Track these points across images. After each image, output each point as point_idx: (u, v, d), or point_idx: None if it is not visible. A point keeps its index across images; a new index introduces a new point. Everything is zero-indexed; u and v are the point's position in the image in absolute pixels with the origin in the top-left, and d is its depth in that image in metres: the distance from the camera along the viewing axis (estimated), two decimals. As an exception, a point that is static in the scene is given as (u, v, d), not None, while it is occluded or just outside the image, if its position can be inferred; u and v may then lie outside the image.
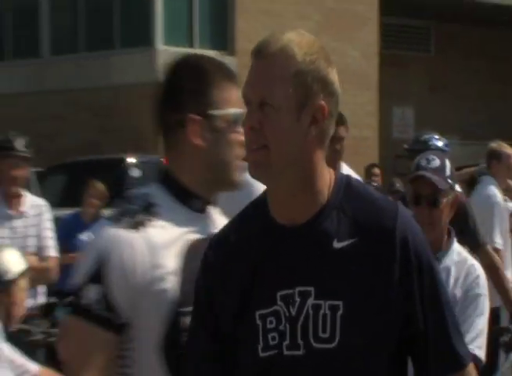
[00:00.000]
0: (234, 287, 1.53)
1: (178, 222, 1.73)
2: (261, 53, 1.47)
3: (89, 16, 16.30)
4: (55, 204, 7.63)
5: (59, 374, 3.46)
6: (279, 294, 1.49)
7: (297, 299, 1.49)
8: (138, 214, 1.70)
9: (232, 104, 1.71)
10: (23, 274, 4.09)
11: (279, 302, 1.49)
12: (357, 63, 16.09)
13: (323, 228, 1.51)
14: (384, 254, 1.48)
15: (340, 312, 1.47)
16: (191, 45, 15.81)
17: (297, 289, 1.49)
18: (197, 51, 14.56)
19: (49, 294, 6.45)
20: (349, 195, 1.54)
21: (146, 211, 1.70)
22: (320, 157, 1.52)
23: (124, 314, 1.65)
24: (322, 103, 1.46)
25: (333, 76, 1.51)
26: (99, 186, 8.30)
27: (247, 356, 1.52)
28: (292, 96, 1.44)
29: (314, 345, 1.47)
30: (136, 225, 1.67)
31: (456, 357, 1.56)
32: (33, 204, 6.02)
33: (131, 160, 12.17)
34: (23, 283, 4.14)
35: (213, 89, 1.71)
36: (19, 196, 5.84)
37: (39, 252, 5.77)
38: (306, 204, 1.51)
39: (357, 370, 1.47)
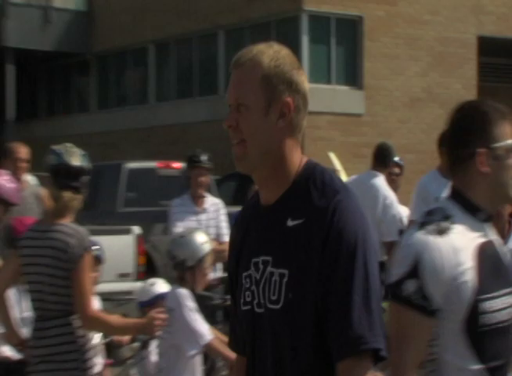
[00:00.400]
0: (234, 255, 1.84)
1: (470, 229, 1.92)
2: (235, 64, 1.72)
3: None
4: (228, 203, 8.55)
5: (224, 342, 4.04)
6: (252, 260, 1.74)
7: (261, 266, 1.72)
8: (440, 223, 1.89)
9: (508, 136, 1.90)
10: (209, 253, 4.68)
11: (251, 267, 1.74)
12: (459, 94, 17.20)
13: (282, 208, 1.71)
14: (317, 233, 1.64)
15: (285, 280, 1.67)
16: (329, 82, 18.27)
17: (261, 258, 1.72)
18: (333, 86, 18.16)
19: (224, 269, 6.95)
20: (310, 180, 1.71)
21: (445, 220, 1.89)
22: (290, 145, 1.73)
23: (436, 302, 1.80)
24: (288, 99, 1.69)
25: (298, 77, 1.74)
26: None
27: (237, 308, 1.82)
28: (260, 96, 1.68)
29: (268, 305, 1.69)
30: (440, 232, 1.87)
31: (351, 342, 1.60)
32: (212, 202, 6.95)
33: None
34: (209, 260, 4.71)
35: (493, 127, 1.91)
36: (203, 197, 6.80)
37: (217, 238, 6.57)
38: (277, 187, 1.71)
39: (295, 328, 1.66)
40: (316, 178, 1.71)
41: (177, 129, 18.68)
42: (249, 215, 1.84)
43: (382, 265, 5.74)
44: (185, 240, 4.75)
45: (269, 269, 1.69)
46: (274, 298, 1.68)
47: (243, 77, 1.70)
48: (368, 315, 1.62)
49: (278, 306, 1.67)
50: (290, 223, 1.69)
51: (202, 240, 4.70)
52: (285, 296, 1.66)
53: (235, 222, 1.98)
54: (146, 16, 18.90)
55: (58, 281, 3.71)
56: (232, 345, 1.98)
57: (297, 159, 1.73)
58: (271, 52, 1.71)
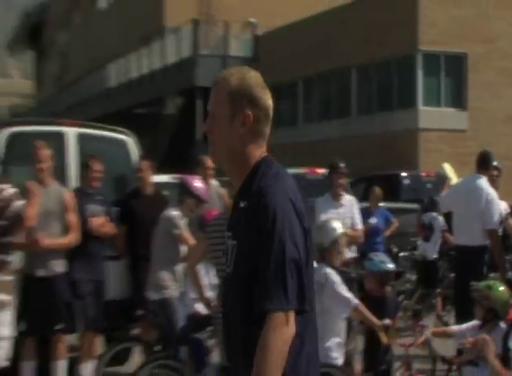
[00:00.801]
0: None
1: None
2: (214, 82, 2.16)
3: (380, 82, 22.01)
4: (358, 200, 8.87)
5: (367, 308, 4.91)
6: (227, 234, 2.21)
7: (227, 240, 2.18)
8: None
9: None
10: (342, 235, 5.33)
11: (227, 240, 2.20)
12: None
13: (239, 194, 2.19)
14: (251, 213, 2.07)
15: (234, 250, 2.10)
16: (439, 105, 21.31)
17: (228, 233, 2.19)
18: (442, 109, 21.27)
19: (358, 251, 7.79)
20: (257, 171, 2.15)
21: None
22: (251, 147, 2.15)
23: None
24: (249, 112, 2.09)
25: (261, 94, 2.14)
26: (378, 191, 10.03)
27: None
28: (226, 108, 2.09)
29: (227, 270, 2.16)
30: None
31: (262, 304, 1.95)
32: (348, 199, 7.68)
33: (403, 174, 15.22)
34: (343, 240, 5.37)
35: None
36: (341, 195, 7.55)
37: (352, 227, 7.22)
38: (240, 178, 2.17)
39: (239, 290, 2.07)
40: (260, 170, 2.16)
41: (319, 144, 22.34)
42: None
43: (485, 249, 6.99)
44: (322, 226, 5.45)
45: (229, 242, 2.17)
46: (228, 264, 2.16)
47: (216, 93, 2.17)
48: (280, 282, 1.97)
49: (230, 270, 2.15)
50: (241, 205, 2.15)
51: (335, 227, 5.31)
52: (234, 262, 2.13)
53: None
54: (296, 56, 23.40)
55: None
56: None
57: (255, 157, 2.16)
58: (239, 74, 2.16)
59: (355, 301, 5.01)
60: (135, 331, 7.28)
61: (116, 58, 26.53)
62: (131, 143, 7.47)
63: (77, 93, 30.10)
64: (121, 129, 7.71)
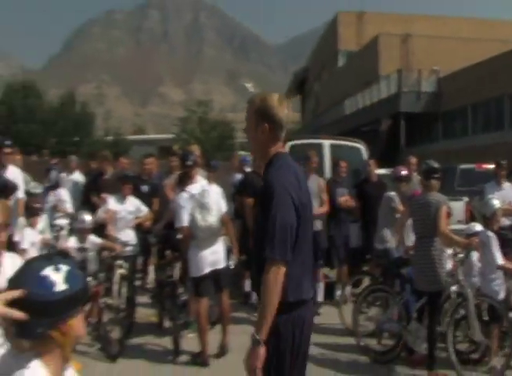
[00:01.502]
0: None
1: None
2: (247, 103, 2.92)
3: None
4: None
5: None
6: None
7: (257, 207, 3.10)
8: None
9: None
10: (499, 208, 6.40)
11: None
12: None
13: (263, 177, 3.09)
14: (262, 191, 3.01)
15: (259, 213, 3.04)
16: None
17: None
18: None
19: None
20: (271, 164, 3.05)
21: None
22: (270, 146, 3.04)
23: None
24: (266, 125, 2.92)
25: (275, 111, 2.91)
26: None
27: None
28: (253, 122, 2.94)
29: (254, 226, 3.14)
30: None
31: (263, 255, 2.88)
32: (507, 185, 9.27)
33: None
34: (500, 212, 6.43)
35: None
36: (503, 182, 9.25)
37: (509, 203, 8.72)
38: (264, 166, 3.07)
39: (258, 238, 3.00)
40: (272, 162, 3.05)
41: (482, 148, 24.55)
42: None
43: None
44: (486, 203, 6.59)
45: (257, 207, 3.12)
46: (255, 222, 3.16)
47: (248, 111, 2.99)
48: (270, 240, 2.87)
49: (256, 225, 3.11)
50: (261, 184, 3.10)
51: (494, 203, 6.43)
52: (257, 221, 3.05)
53: None
54: (466, 90, 27.60)
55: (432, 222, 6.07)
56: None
57: (272, 152, 3.03)
58: (263, 96, 2.93)
59: (499, 260, 6.11)
60: (365, 268, 9.68)
61: (348, 96, 37.04)
62: (363, 149, 10.44)
63: (324, 119, 42.22)
64: (356, 140, 10.77)
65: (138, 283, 9.51)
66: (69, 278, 1.93)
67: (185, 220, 6.42)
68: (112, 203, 8.04)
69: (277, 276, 2.84)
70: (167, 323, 7.59)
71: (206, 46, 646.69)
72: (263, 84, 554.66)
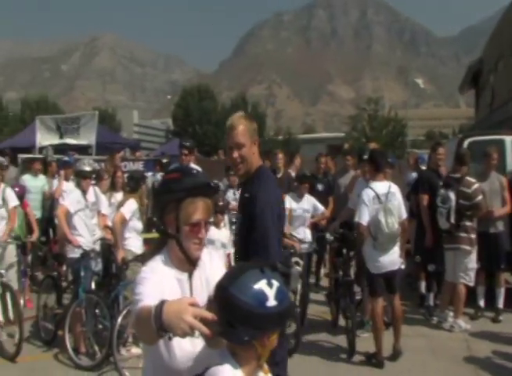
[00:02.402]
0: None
1: None
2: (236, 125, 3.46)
3: None
4: None
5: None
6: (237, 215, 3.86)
7: (238, 215, 3.72)
8: None
9: None
10: None
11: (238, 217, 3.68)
12: None
13: (245, 188, 3.54)
14: (251, 201, 3.38)
15: (240, 221, 3.55)
16: None
17: (239, 214, 3.63)
18: None
19: None
20: (256, 176, 3.49)
21: None
22: (257, 158, 3.52)
23: None
24: (257, 139, 3.54)
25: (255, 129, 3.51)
26: None
27: None
28: (251, 139, 3.46)
29: (237, 233, 3.68)
30: None
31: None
32: None
33: None
34: None
35: None
36: None
37: None
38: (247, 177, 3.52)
39: (244, 245, 3.39)
40: (259, 174, 3.52)
41: None
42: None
43: None
44: None
45: (239, 217, 3.63)
46: (237, 231, 3.63)
47: (243, 130, 3.47)
48: (265, 249, 3.28)
49: (239, 236, 3.54)
50: (246, 195, 3.49)
51: None
52: (240, 231, 3.53)
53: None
54: None
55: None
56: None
57: (256, 165, 3.54)
58: (249, 115, 3.59)
59: None
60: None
61: None
62: None
63: (501, 113, 39.77)
64: None
65: (312, 280, 9.65)
66: (279, 295, 1.99)
67: (365, 219, 6.39)
68: (288, 201, 8.21)
69: None
70: (341, 322, 7.59)
71: (375, 42, 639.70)
72: (434, 79, 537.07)
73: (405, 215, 6.64)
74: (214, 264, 2.54)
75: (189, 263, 2.42)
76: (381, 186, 6.52)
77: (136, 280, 2.33)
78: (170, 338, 1.99)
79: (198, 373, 2.15)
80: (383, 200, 6.40)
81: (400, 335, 6.61)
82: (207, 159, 20.06)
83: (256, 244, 3.29)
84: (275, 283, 2.00)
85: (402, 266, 6.84)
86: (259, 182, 3.44)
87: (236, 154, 3.46)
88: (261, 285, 1.98)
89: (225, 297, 1.99)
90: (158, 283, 2.28)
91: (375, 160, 6.63)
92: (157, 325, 1.91)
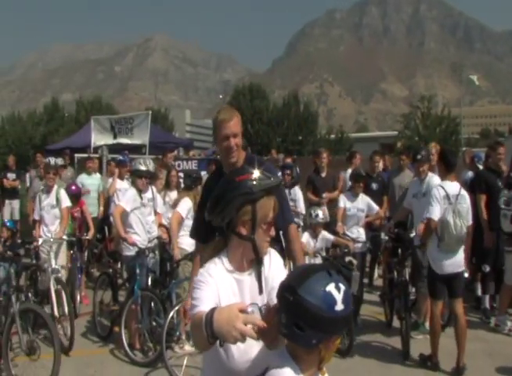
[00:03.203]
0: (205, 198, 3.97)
1: None
2: (233, 117, 3.73)
3: None
4: None
5: None
6: None
7: None
8: None
9: None
10: None
11: None
12: None
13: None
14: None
15: None
16: None
17: None
18: None
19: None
20: (249, 160, 3.78)
21: None
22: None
23: None
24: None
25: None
26: None
27: None
28: (241, 131, 3.80)
29: None
30: None
31: (287, 218, 3.87)
32: None
33: None
34: None
35: None
36: None
37: None
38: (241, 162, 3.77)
39: None
40: (251, 157, 3.92)
41: None
42: (215, 181, 3.60)
43: None
44: None
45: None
46: None
47: (238, 123, 3.76)
48: (290, 212, 4.11)
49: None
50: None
51: None
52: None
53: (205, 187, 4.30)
54: None
55: None
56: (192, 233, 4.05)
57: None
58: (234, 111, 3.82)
59: None
60: None
61: None
62: None
63: None
64: None
65: (365, 280, 9.56)
66: (345, 299, 1.99)
67: (437, 215, 6.22)
68: (342, 200, 8.15)
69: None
70: (395, 323, 7.49)
71: (428, 39, 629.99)
72: (490, 75, 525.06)
73: (471, 221, 6.47)
74: (273, 264, 2.52)
75: (258, 263, 2.42)
76: (452, 187, 6.37)
77: (194, 283, 2.35)
78: (221, 345, 2.00)
79: (257, 374, 2.16)
80: (453, 201, 6.25)
81: (464, 349, 6.31)
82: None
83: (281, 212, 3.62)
84: (343, 287, 2.00)
85: (466, 275, 6.66)
86: (258, 159, 3.86)
87: (233, 142, 3.71)
88: (330, 288, 1.97)
89: (294, 299, 1.98)
90: (214, 287, 2.29)
91: (446, 159, 6.47)
92: (208, 333, 1.93)
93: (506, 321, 7.73)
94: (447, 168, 6.45)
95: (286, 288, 2.03)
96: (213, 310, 1.95)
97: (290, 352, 2.06)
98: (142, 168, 7.28)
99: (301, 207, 9.81)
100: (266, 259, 2.50)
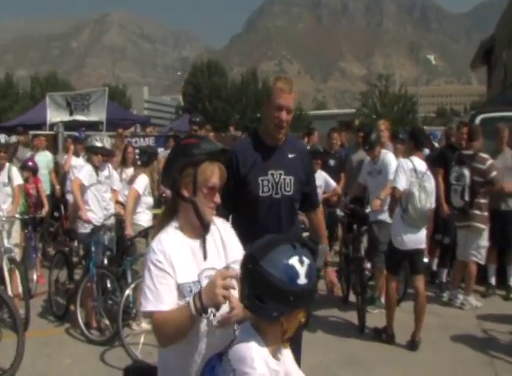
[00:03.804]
0: (236, 171, 3.56)
1: None
2: (291, 90, 3.55)
3: None
4: None
5: None
6: (269, 172, 3.66)
7: (277, 175, 3.66)
8: None
9: None
10: None
11: (268, 175, 3.64)
12: None
13: (284, 149, 3.74)
14: (303, 160, 3.83)
15: (292, 181, 3.72)
16: None
17: (278, 171, 3.67)
18: None
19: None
20: (290, 138, 3.84)
21: None
22: None
23: None
24: None
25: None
26: None
27: (249, 194, 3.61)
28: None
29: (284, 193, 3.69)
30: None
31: (318, 203, 4.13)
32: None
33: None
34: None
35: None
36: None
37: None
38: (281, 139, 3.69)
39: (295, 201, 3.80)
40: (292, 138, 3.95)
41: None
42: (251, 150, 3.68)
43: None
44: None
45: (283, 176, 3.69)
46: (288, 189, 3.70)
47: (294, 98, 3.61)
48: (317, 194, 4.24)
49: (290, 193, 3.72)
50: (290, 156, 3.74)
51: None
52: (293, 188, 3.72)
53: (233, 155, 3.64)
54: None
55: None
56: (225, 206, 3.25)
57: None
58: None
59: None
60: None
61: None
62: None
63: None
64: None
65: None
66: (309, 273, 1.98)
67: (402, 185, 6.27)
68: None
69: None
70: (351, 298, 7.59)
71: (386, 19, 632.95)
72: (445, 56, 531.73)
73: (434, 204, 6.51)
74: (228, 229, 2.57)
75: (203, 227, 2.42)
76: (420, 164, 6.43)
77: (145, 263, 2.35)
78: (214, 315, 2.23)
79: (220, 350, 2.17)
80: (419, 177, 6.30)
81: (422, 325, 6.36)
82: (218, 134, 20.04)
83: (311, 196, 3.99)
84: (306, 261, 1.99)
85: (426, 260, 6.76)
86: (297, 142, 4.04)
87: (285, 117, 3.55)
88: (293, 262, 1.96)
89: (255, 270, 1.97)
90: (171, 270, 2.30)
91: (417, 138, 6.55)
92: (200, 311, 2.10)
93: (458, 295, 7.89)
94: (416, 146, 6.53)
95: (248, 259, 2.02)
96: (200, 293, 2.11)
97: (254, 326, 2.05)
98: (98, 144, 7.16)
99: None
100: (220, 225, 2.54)
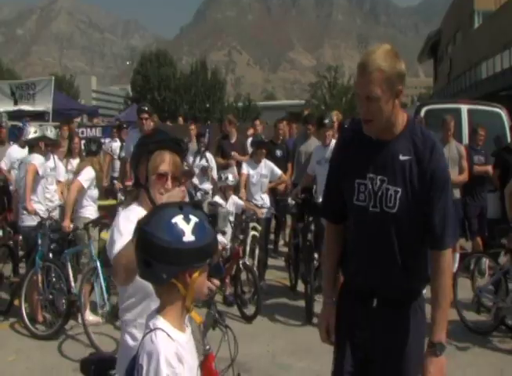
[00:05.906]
0: (338, 165, 2.74)
1: None
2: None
3: None
4: None
5: None
6: (367, 175, 2.55)
7: (378, 182, 2.53)
8: None
9: None
10: None
11: (367, 180, 2.55)
12: None
13: (395, 147, 2.53)
14: (423, 167, 2.47)
15: (399, 195, 2.50)
16: None
17: (378, 177, 2.53)
18: None
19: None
20: (413, 131, 2.55)
21: None
22: (398, 110, 2.51)
23: None
24: (400, 87, 2.44)
25: (404, 68, 2.43)
26: None
27: (347, 198, 2.64)
28: (386, 90, 2.40)
29: (384, 208, 2.52)
30: None
31: (443, 240, 2.49)
32: None
33: None
34: None
35: None
36: None
37: None
38: (391, 133, 2.53)
39: (403, 226, 2.51)
40: (416, 130, 2.57)
41: None
42: (357, 144, 2.65)
43: None
44: None
45: (385, 185, 2.53)
46: (390, 204, 2.52)
47: (378, 77, 2.42)
48: (448, 225, 2.51)
49: (393, 211, 2.52)
50: (402, 158, 2.52)
51: None
52: (399, 205, 2.51)
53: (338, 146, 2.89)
54: None
55: None
56: (325, 212, 2.93)
57: (401, 117, 2.55)
58: (385, 56, 2.43)
59: None
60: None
61: (485, 59, 33.95)
62: (503, 114, 9.95)
63: (459, 84, 40.45)
64: (497, 105, 10.20)
65: (270, 246, 9.68)
66: (197, 230, 1.92)
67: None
68: (245, 167, 8.17)
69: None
70: (300, 287, 7.64)
71: (335, 11, 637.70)
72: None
73: None
74: None
75: None
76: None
77: (112, 230, 2.55)
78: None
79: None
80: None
81: None
82: (166, 125, 19.90)
83: (435, 226, 2.53)
84: (194, 219, 1.93)
85: None
86: (421, 138, 2.55)
87: (366, 107, 2.51)
88: (177, 220, 1.91)
89: (138, 234, 1.94)
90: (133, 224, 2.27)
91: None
92: None
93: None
94: None
95: (135, 227, 1.99)
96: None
97: (158, 296, 2.01)
98: (33, 135, 7.02)
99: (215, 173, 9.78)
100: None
